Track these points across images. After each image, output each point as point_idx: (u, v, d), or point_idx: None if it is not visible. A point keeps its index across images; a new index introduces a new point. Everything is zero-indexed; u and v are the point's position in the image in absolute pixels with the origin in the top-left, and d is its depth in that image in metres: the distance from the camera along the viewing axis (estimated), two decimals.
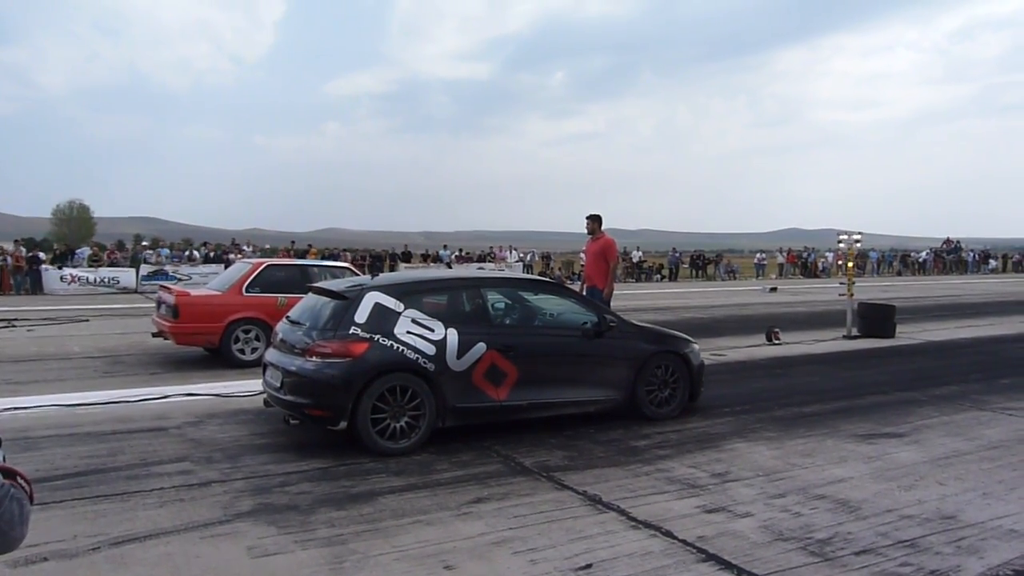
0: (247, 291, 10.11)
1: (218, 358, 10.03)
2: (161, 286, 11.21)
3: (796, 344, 12.39)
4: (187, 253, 29.25)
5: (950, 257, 47.54)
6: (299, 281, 10.03)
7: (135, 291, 25.48)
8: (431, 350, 5.91)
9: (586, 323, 6.77)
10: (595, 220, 10.37)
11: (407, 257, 34.42)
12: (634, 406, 6.89)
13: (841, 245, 13.65)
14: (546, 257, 40.94)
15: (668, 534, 4.36)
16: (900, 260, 47.58)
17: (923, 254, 48.41)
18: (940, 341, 13.04)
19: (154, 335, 10.62)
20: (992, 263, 49.15)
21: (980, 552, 4.12)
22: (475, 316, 6.33)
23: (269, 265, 10.71)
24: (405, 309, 6.03)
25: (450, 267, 29.39)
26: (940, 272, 45.43)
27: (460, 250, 39.09)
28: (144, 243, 36.12)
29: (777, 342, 12.43)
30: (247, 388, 8.33)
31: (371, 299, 6.00)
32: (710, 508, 4.78)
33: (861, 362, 10.72)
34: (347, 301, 6.03)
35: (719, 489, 5.14)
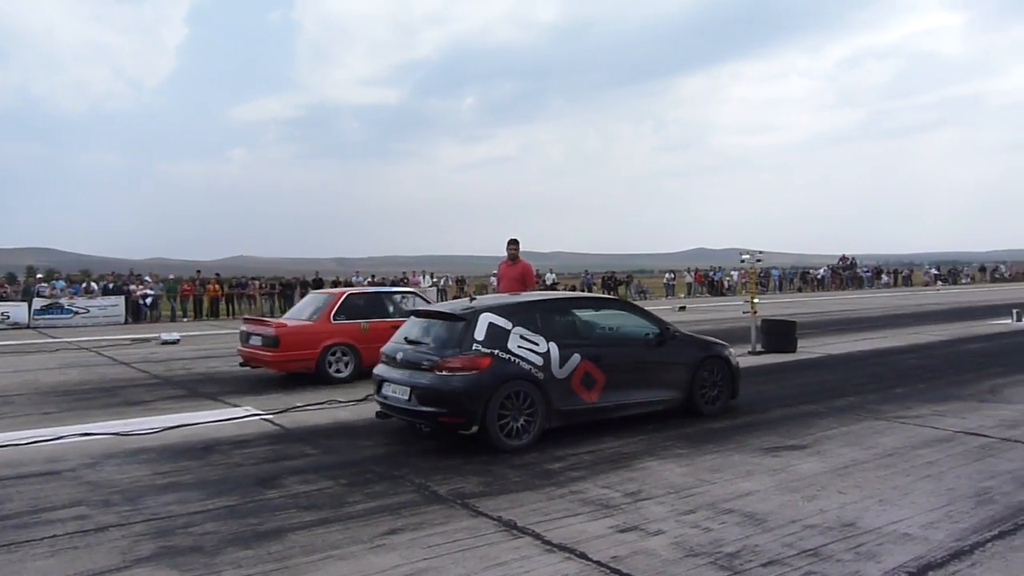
0: (335, 319, 11.11)
1: (119, 393, 9.64)
2: (246, 319, 12.41)
3: None
4: (84, 285, 27.95)
5: (846, 273, 49.77)
6: (376, 307, 11.53)
7: (27, 327, 24.21)
8: (539, 361, 6.79)
9: (649, 334, 7.76)
10: (517, 245, 10.49)
11: (318, 284, 33.78)
12: (692, 405, 7.89)
13: (744, 263, 14.12)
14: (460, 281, 40.90)
15: (582, 556, 4.38)
16: (800, 277, 49.57)
17: (821, 271, 50.54)
18: (839, 354, 13.60)
19: (241, 365, 11.45)
20: (884, 278, 51.71)
21: (877, 557, 4.29)
22: (568, 331, 7.24)
23: (350, 294, 11.71)
24: (514, 327, 6.83)
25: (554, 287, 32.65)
26: (837, 288, 47.50)
27: (373, 276, 38.66)
28: (38, 275, 34.37)
29: None
30: (148, 425, 8.00)
31: (485, 319, 6.81)
32: (623, 528, 4.83)
33: (765, 377, 11.07)
34: (465, 322, 6.81)
35: (632, 508, 5.20)
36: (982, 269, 65.66)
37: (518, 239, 10.47)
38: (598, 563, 4.28)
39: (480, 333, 6.74)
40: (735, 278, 43.65)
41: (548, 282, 38.82)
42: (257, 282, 33.03)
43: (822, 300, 34.75)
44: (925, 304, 29.51)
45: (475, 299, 7.64)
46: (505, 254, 10.52)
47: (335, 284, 34.52)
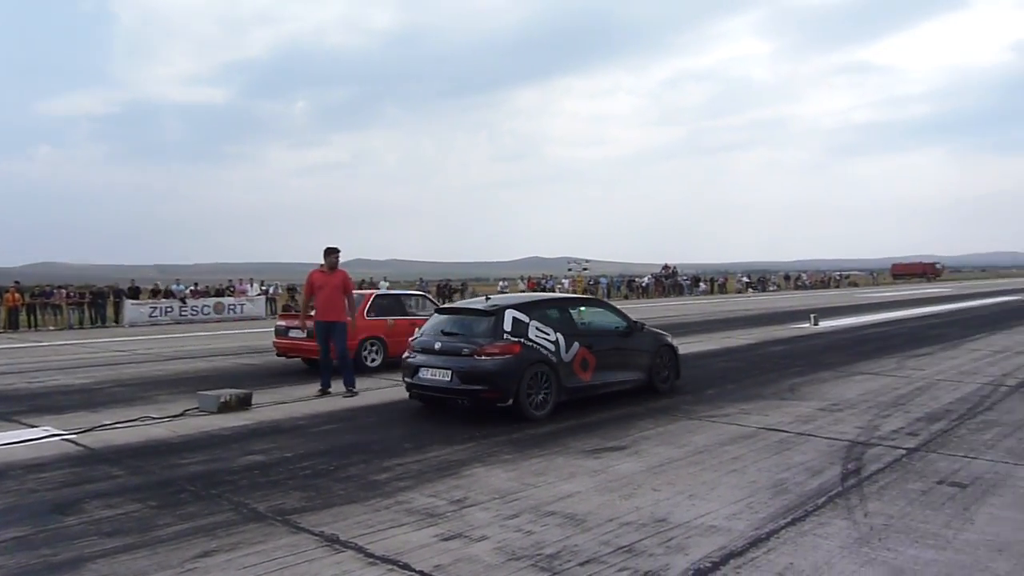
0: (367, 315, 12.55)
1: None
2: (283, 315, 14.28)
3: None
4: None
5: (668, 281, 52.61)
6: (397, 307, 13.22)
7: None
8: (552, 348, 8.34)
9: (620, 327, 9.49)
10: (338, 254, 10.31)
11: (134, 293, 31.67)
12: (651, 384, 9.64)
13: (571, 272, 14.59)
14: (291, 289, 39.66)
15: (405, 567, 4.34)
16: (627, 285, 51.85)
17: (646, 279, 53.15)
18: None
19: (278, 355, 13.12)
20: (702, 286, 55.07)
21: (686, 549, 4.54)
22: (568, 324, 8.79)
23: (378, 295, 13.56)
24: (531, 320, 8.34)
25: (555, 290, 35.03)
26: (660, 295, 50.09)
27: (196, 284, 36.73)
28: None
29: None
30: None
31: (510, 314, 8.28)
32: (447, 536, 4.84)
33: None
34: (495, 317, 8.24)
35: (456, 516, 5.22)
36: (787, 277, 71.48)
37: (338, 248, 10.33)
38: (421, 572, 4.26)
39: (508, 325, 8.22)
40: (566, 286, 45.03)
41: (382, 289, 38.42)
42: (64, 291, 30.51)
43: (646, 307, 36.52)
44: (737, 310, 31.71)
45: (491, 299, 9.10)
46: (321, 262, 10.35)
47: (154, 293, 32.49)
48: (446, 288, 41.58)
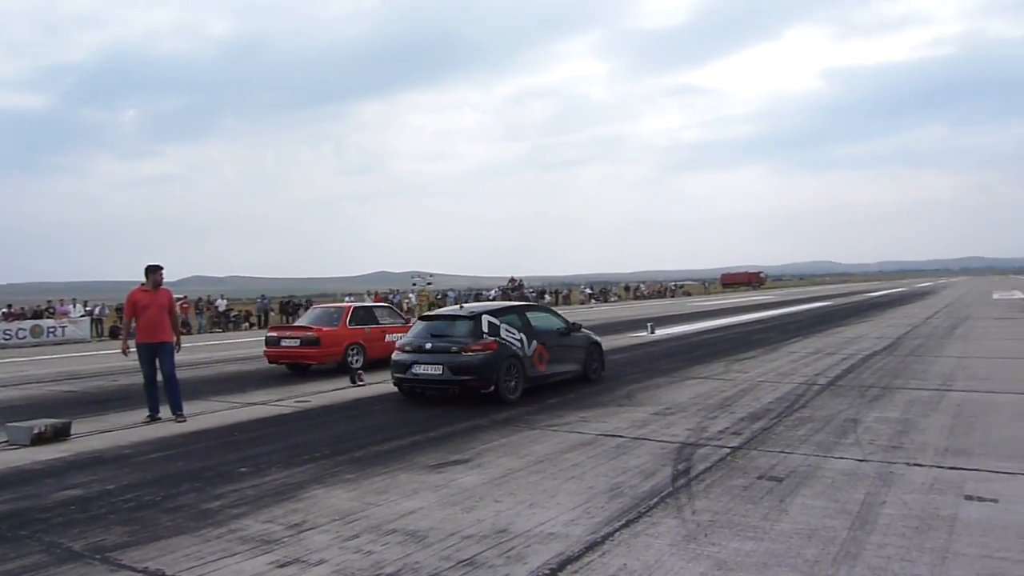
0: (349, 325, 14.75)
1: None
2: (273, 328, 16.48)
3: (378, 384, 12.82)
4: None
5: (515, 294, 53.46)
6: (371, 318, 15.41)
7: None
8: (519, 345, 10.13)
9: (562, 328, 11.47)
10: (162, 272, 9.83)
11: None
12: (584, 375, 11.66)
13: (415, 286, 14.55)
14: (120, 309, 37.22)
15: None
16: (475, 298, 52.26)
17: (492, 292, 53.78)
18: None
19: (270, 362, 14.97)
20: (547, 298, 56.36)
21: (525, 558, 4.60)
22: (527, 326, 10.60)
23: (355, 308, 15.69)
24: (501, 323, 10.11)
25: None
26: None
27: (9, 306, 33.71)
28: None
29: (361, 383, 12.74)
30: None
31: (486, 319, 10.07)
32: (283, 562, 4.67)
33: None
34: (474, 321, 10.05)
35: (294, 540, 5.05)
36: (627, 288, 74.43)
37: (161, 265, 9.87)
38: None
39: (485, 327, 10.03)
40: (413, 300, 44.84)
41: (220, 308, 36.74)
42: None
43: None
44: (580, 320, 32.62)
45: (464, 307, 11.14)
46: (144, 280, 9.84)
47: None
48: (289, 305, 40.33)
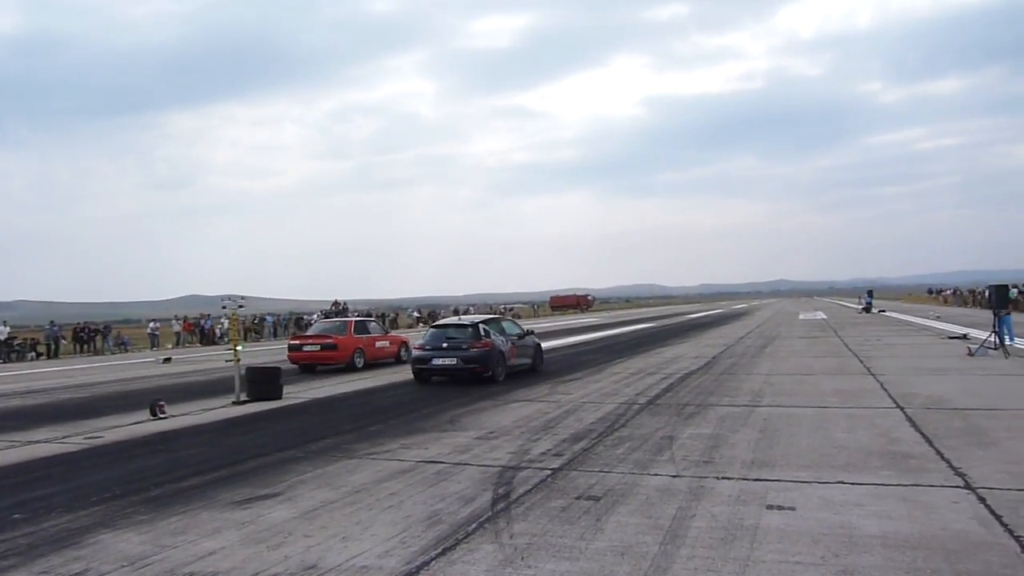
0: (354, 334, 19.97)
1: None
2: (297, 336, 23.06)
3: (184, 416, 12.16)
4: None
5: (337, 319, 52.38)
6: (365, 329, 20.80)
7: None
8: (501, 343, 14.83)
9: (521, 333, 16.42)
10: None
11: None
12: (533, 366, 16.46)
13: (225, 310, 13.94)
14: None
15: None
16: (295, 323, 50.62)
17: (314, 316, 52.36)
18: (323, 397, 14.19)
19: (292, 363, 19.54)
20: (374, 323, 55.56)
21: None
22: (502, 330, 15.58)
23: (356, 321, 21.31)
24: (489, 328, 15.10)
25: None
26: None
27: None
28: None
29: (163, 416, 12.01)
30: None
31: (481, 326, 15.03)
32: None
33: (247, 427, 11.01)
34: (474, 327, 15.02)
35: None
36: (456, 311, 74.81)
37: None
38: None
39: (482, 332, 14.86)
40: (227, 326, 42.85)
41: (2, 336, 33.55)
42: None
43: None
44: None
45: (462, 317, 18.14)
46: None
47: None
48: (84, 331, 37.43)
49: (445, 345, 15.37)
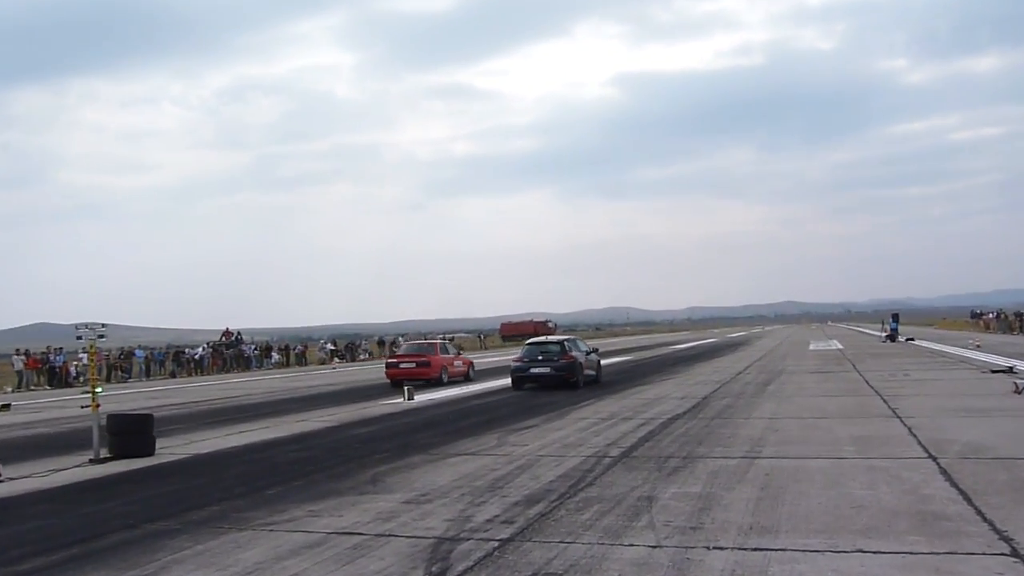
0: (441, 353, 29.66)
1: None
2: (395, 355, 31.40)
3: (26, 479, 11.89)
4: None
5: (230, 352, 51.82)
6: (447, 350, 31.33)
7: None
8: (580, 356, 25.44)
9: (589, 349, 27.33)
10: None
11: None
12: (596, 379, 26.47)
13: (81, 340, 13.68)
14: None
15: None
16: (173, 358, 49.95)
17: (199, 350, 51.75)
18: (208, 453, 14.01)
19: (390, 378, 28.09)
20: (275, 356, 55.25)
21: None
22: (578, 346, 26.54)
23: (440, 343, 33.16)
24: (574, 343, 26.33)
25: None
26: (220, 370, 49.19)
27: None
28: None
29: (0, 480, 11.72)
30: None
31: (567, 343, 25.93)
32: None
33: (108, 491, 10.82)
34: (561, 344, 25.67)
35: None
36: (381, 343, 74.56)
37: None
38: None
39: (567, 347, 25.08)
40: (84, 361, 42.06)
41: None
42: None
43: (199, 386, 35.64)
44: (318, 385, 32.26)
45: (549, 338, 28.08)
46: None
47: None
48: None
49: (540, 358, 24.92)
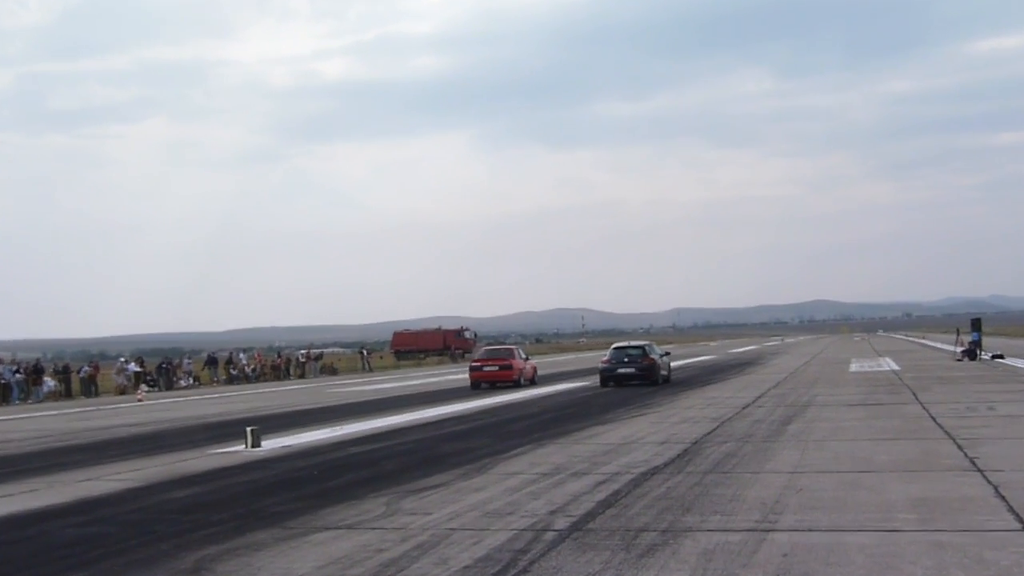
0: (517, 358, 52.04)
1: None
2: (478, 359, 52.63)
3: None
4: None
5: None
6: (517, 353, 53.99)
7: None
8: (659, 358, 48.10)
9: (661, 351, 51.28)
10: None
11: None
12: (668, 378, 48.94)
13: None
14: None
15: None
16: None
17: None
18: None
19: (474, 380, 48.82)
20: (49, 383, 54.46)
21: None
22: (655, 349, 50.13)
23: (516, 348, 56.94)
24: (654, 347, 50.99)
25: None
26: None
27: None
28: None
29: None
30: None
31: (648, 347, 49.64)
32: None
33: None
34: (643, 347, 49.34)
35: None
36: (211, 362, 73.97)
37: None
38: None
39: (649, 351, 47.71)
40: None
41: None
42: None
43: None
44: (116, 426, 31.94)
45: (631, 342, 57.24)
46: None
47: None
48: None
49: (625, 360, 43.99)
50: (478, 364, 49.06)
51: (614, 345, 50.56)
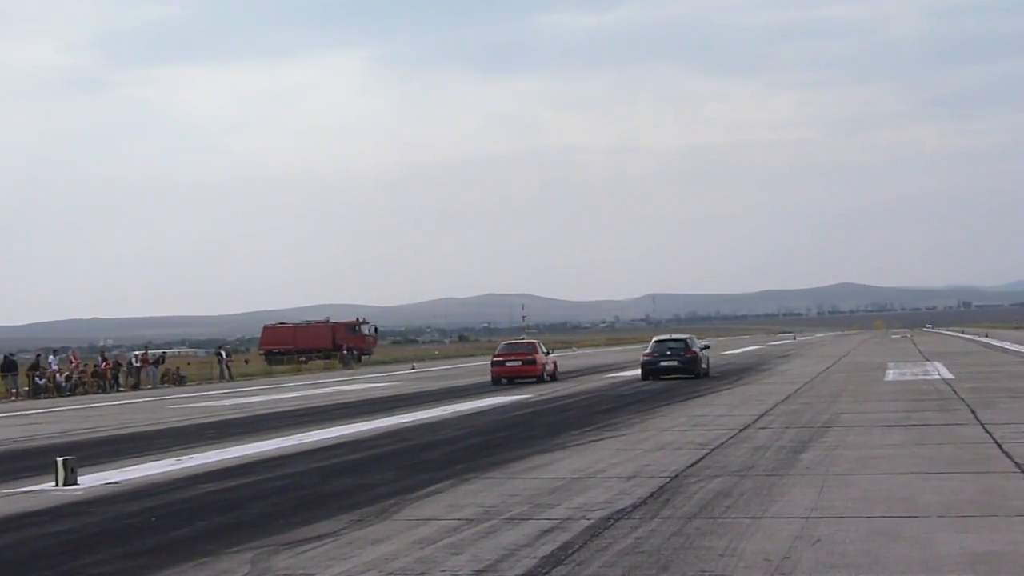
0: (539, 352, 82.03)
1: None
2: (500, 354, 79.09)
3: None
4: None
5: None
6: (538, 347, 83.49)
7: None
8: (699, 351, 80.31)
9: (702, 345, 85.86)
10: None
11: None
12: (707, 372, 79.19)
13: None
14: None
15: None
16: None
17: None
18: None
19: (494, 381, 73.84)
20: None
21: None
22: (696, 343, 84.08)
23: (537, 343, 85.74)
24: (693, 340, 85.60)
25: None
26: None
27: None
28: None
29: None
30: None
31: (690, 340, 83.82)
32: None
33: None
34: (685, 340, 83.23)
35: None
36: (5, 367, 73.61)
37: None
38: None
39: (689, 344, 77.46)
40: None
41: None
42: None
43: None
44: None
45: (673, 335, 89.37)
46: None
47: None
48: None
49: (668, 353, 68.57)
50: (500, 359, 65.49)
51: (656, 338, 73.13)
